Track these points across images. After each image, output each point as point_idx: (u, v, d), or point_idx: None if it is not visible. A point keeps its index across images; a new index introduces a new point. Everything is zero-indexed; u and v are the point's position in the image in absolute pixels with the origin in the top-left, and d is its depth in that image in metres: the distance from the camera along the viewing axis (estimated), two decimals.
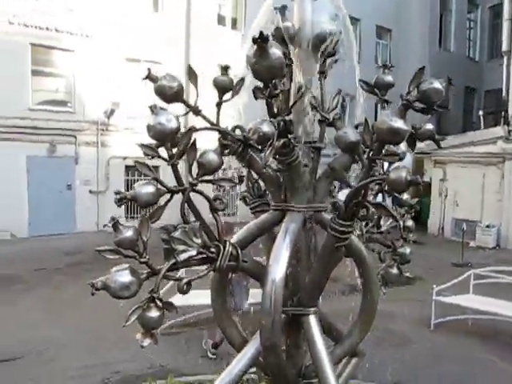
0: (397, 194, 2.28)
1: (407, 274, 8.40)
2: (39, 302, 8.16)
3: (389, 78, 1.80)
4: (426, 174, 16.85)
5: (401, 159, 2.21)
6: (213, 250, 1.60)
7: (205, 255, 1.58)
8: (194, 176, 1.56)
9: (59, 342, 6.36)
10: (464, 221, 14.33)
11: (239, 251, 1.66)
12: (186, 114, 1.69)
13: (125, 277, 1.44)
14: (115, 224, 1.42)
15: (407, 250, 2.28)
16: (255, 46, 1.24)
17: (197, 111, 1.64)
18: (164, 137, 1.46)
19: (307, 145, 1.83)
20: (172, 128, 1.45)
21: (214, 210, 1.61)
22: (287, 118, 1.55)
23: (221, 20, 18.20)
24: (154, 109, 1.47)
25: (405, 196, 2.24)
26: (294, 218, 1.77)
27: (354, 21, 21.25)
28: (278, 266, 1.63)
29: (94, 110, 14.65)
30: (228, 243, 1.64)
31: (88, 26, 14.19)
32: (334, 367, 1.86)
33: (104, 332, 6.57)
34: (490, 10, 24.27)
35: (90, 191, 14.66)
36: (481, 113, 17.95)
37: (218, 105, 1.72)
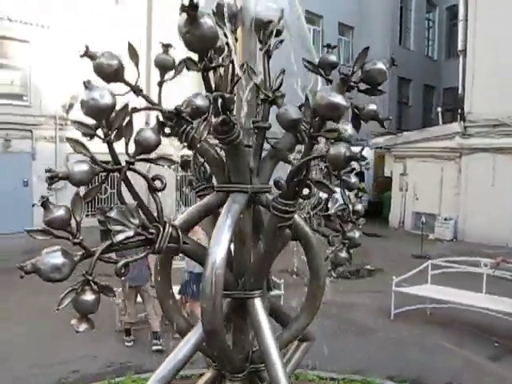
0: (346, 178, 2.30)
1: (368, 267, 8.56)
2: None
3: (332, 58, 1.81)
4: (385, 168, 17.28)
5: (349, 142, 2.23)
6: (152, 231, 1.55)
7: (143, 236, 1.53)
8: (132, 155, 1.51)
9: (16, 341, 6.13)
10: (423, 214, 14.77)
11: (180, 233, 1.62)
12: (127, 93, 1.63)
13: (56, 258, 1.38)
14: (45, 203, 1.36)
15: (356, 234, 2.31)
16: (185, 15, 1.20)
17: (138, 91, 1.58)
18: (98, 113, 1.40)
19: (251, 124, 1.81)
20: (106, 104, 1.40)
21: (152, 190, 1.57)
22: (227, 95, 1.52)
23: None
24: (87, 84, 1.41)
25: (353, 179, 2.26)
26: (236, 198, 1.75)
27: (317, 18, 21.44)
28: (219, 247, 1.60)
29: (52, 103, 14.15)
30: (168, 224, 1.60)
31: (44, 16, 13.66)
32: (281, 351, 1.85)
33: (62, 330, 6.37)
34: (447, 11, 25.07)
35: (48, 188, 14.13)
36: (439, 109, 18.55)
37: (160, 84, 1.66)
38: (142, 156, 1.51)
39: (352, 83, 1.81)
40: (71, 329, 1.43)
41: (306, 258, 1.92)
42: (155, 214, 1.65)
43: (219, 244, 1.60)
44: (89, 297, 1.44)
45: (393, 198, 16.81)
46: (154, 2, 17.00)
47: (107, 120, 1.43)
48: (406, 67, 20.58)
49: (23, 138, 13.75)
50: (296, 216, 1.87)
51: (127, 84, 1.61)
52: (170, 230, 1.59)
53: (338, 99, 1.38)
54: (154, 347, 5.88)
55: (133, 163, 1.50)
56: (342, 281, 10.72)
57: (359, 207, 2.37)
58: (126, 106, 1.45)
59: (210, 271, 1.55)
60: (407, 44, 24.25)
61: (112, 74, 1.52)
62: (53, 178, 1.37)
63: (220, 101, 1.49)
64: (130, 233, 1.49)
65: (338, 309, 8.43)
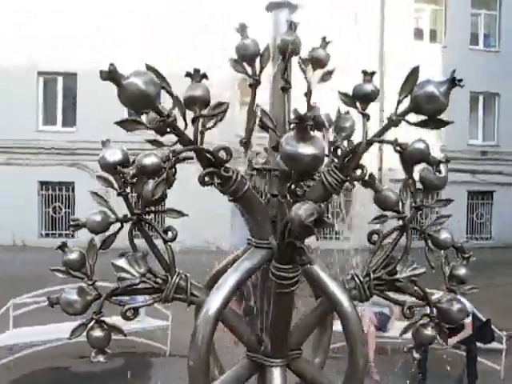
0: (432, 233, 1.82)
1: None
2: None
3: (367, 88, 1.49)
4: None
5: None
6: (158, 280, 1.61)
7: (148, 285, 1.60)
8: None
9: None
10: None
11: (189, 284, 1.62)
12: (157, 125, 1.45)
13: (71, 295, 1.60)
14: (61, 246, 1.60)
15: (455, 306, 1.77)
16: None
17: (167, 122, 1.43)
18: (108, 169, 1.57)
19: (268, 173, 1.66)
20: (114, 161, 1.56)
21: (165, 242, 1.63)
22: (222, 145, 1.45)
23: (418, 34, 17.24)
24: (104, 142, 1.59)
25: (443, 235, 1.77)
26: (252, 254, 1.62)
27: None
28: (216, 297, 1.53)
29: None
30: (177, 274, 1.62)
31: None
32: None
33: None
34: None
35: None
36: None
37: (202, 132, 1.66)
38: (149, 209, 1.59)
39: (397, 117, 1.47)
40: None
41: (344, 332, 1.59)
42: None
43: (217, 294, 1.53)
44: (98, 333, 1.60)
45: None
46: (387, 32, 16.86)
47: (119, 175, 1.56)
48: None
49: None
50: (328, 280, 1.60)
51: (158, 113, 1.50)
52: (177, 280, 1.61)
53: (300, 148, 1.15)
54: None
55: (141, 215, 1.59)
56: None
57: (462, 271, 1.82)
58: (133, 162, 1.55)
59: (200, 321, 1.50)
60: None
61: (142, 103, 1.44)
62: (74, 226, 1.60)
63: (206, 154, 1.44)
64: (136, 281, 1.58)
65: None
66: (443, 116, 1.57)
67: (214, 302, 1.55)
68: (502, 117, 19.19)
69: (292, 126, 1.18)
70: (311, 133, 1.16)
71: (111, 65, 1.17)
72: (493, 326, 7.00)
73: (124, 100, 1.25)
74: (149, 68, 1.32)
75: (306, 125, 1.13)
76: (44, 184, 18.21)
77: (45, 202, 18.42)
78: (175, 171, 1.69)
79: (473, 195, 19.47)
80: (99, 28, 16.57)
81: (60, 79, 18.06)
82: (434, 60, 15.87)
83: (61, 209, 18.37)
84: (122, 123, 1.32)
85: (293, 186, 1.27)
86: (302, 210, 1.15)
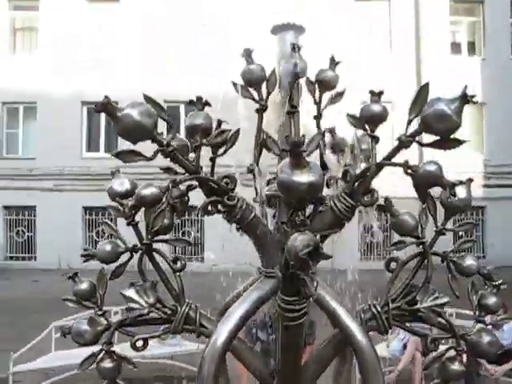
0: (455, 259, 1.71)
1: None
2: None
3: (375, 108, 1.43)
4: None
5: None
6: (166, 310, 1.58)
7: (157, 316, 1.58)
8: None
9: None
10: None
11: (198, 314, 1.59)
12: (154, 156, 1.40)
13: (82, 325, 1.62)
14: (72, 276, 1.62)
15: (485, 339, 1.64)
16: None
17: (167, 152, 1.38)
18: (115, 199, 1.58)
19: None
20: (122, 191, 1.57)
21: (174, 271, 1.62)
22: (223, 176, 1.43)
23: (455, 48, 16.79)
24: (113, 172, 1.61)
25: (467, 261, 1.66)
26: (261, 284, 1.57)
27: None
28: (224, 329, 1.49)
29: None
30: (186, 304, 1.59)
31: None
32: None
33: None
34: None
35: None
36: None
37: (212, 159, 1.64)
38: (158, 237, 1.58)
39: (406, 138, 1.41)
40: None
41: (359, 369, 1.50)
42: None
43: (225, 325, 1.49)
44: (108, 364, 1.59)
45: None
46: (423, 47, 16.53)
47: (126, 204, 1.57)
48: None
49: None
50: (340, 310, 1.52)
51: (157, 143, 1.40)
52: (186, 310, 1.58)
53: (293, 177, 1.11)
54: None
55: (150, 245, 1.59)
56: None
57: (491, 300, 1.69)
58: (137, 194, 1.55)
59: (208, 352, 1.45)
60: None
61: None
62: (86, 256, 1.62)
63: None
64: (144, 311, 1.57)
65: None
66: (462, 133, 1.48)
67: (221, 333, 1.51)
68: None
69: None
70: (307, 159, 1.12)
71: (105, 97, 1.19)
72: None
73: (120, 131, 1.25)
74: (147, 99, 1.33)
75: (300, 151, 1.09)
76: (88, 209, 18.87)
77: (88, 226, 19.07)
78: (188, 200, 1.68)
79: None
80: (100, 26, 17.00)
81: None
82: (474, 74, 15.42)
83: (104, 233, 18.94)
84: (119, 155, 1.32)
85: (294, 215, 1.23)
86: (297, 242, 1.10)
